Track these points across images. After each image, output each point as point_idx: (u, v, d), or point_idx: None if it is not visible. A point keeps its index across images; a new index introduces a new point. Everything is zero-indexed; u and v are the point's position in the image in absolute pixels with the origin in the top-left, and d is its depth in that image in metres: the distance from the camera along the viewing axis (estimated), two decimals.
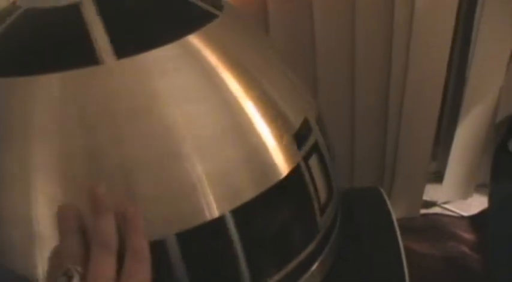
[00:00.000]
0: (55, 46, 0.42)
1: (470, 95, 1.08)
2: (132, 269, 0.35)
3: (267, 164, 0.45)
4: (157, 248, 0.39)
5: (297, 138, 0.48)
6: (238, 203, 0.42)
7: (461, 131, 1.14)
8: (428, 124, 1.08)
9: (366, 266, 0.60)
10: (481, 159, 1.19)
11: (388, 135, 1.12)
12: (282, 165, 0.45)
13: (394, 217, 0.65)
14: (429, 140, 1.11)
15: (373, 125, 1.12)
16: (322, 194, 0.51)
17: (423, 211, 1.26)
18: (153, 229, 0.39)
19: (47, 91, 0.40)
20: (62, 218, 0.36)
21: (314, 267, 0.50)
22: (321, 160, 0.52)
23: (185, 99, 0.42)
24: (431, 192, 1.28)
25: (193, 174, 0.40)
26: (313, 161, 0.50)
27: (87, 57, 0.40)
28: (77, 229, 0.36)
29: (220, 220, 0.41)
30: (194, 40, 0.44)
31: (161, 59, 0.42)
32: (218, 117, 0.43)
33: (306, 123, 0.50)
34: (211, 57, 0.44)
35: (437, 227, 1.17)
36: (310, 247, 0.49)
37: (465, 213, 1.23)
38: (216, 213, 0.41)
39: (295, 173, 0.46)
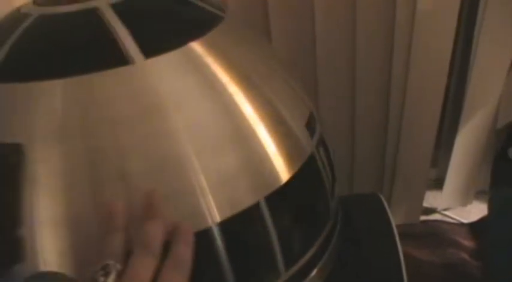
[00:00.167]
0: (81, 49, 0.43)
1: (470, 101, 1.09)
2: (170, 276, 0.35)
3: (267, 170, 0.45)
4: None
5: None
6: (238, 208, 0.42)
7: (461, 137, 1.14)
8: (429, 130, 1.09)
9: (365, 272, 0.61)
10: (481, 166, 1.19)
11: (388, 141, 1.13)
12: (283, 172, 0.46)
13: (393, 224, 0.65)
14: (429, 146, 1.11)
15: (373, 130, 1.12)
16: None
17: (423, 218, 1.26)
18: None
19: (77, 93, 0.40)
20: (108, 214, 0.37)
21: (313, 273, 0.51)
22: (322, 169, 0.52)
23: (188, 104, 0.43)
24: (431, 199, 1.29)
25: (195, 179, 0.41)
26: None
27: (116, 58, 0.41)
28: (121, 227, 0.37)
29: (220, 226, 0.41)
30: (198, 46, 0.45)
31: (169, 63, 0.43)
32: (220, 123, 0.43)
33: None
34: (214, 63, 0.45)
35: (437, 234, 1.17)
36: (310, 253, 0.49)
37: (465, 220, 1.24)
38: (217, 219, 0.41)
39: (295, 179, 0.46)
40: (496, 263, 0.91)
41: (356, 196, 0.81)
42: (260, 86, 0.48)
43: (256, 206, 0.43)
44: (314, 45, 1.01)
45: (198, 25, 0.49)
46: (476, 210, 1.24)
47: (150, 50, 0.42)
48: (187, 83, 0.43)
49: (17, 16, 0.47)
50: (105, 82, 0.41)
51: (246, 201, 0.43)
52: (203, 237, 0.41)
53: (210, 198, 0.41)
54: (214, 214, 0.41)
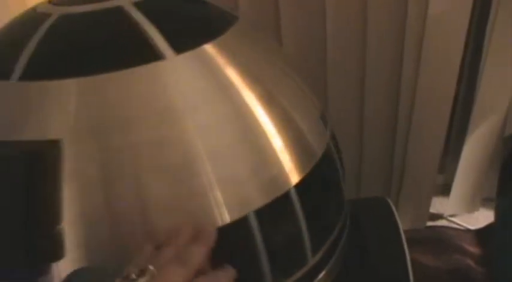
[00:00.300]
0: (112, 45, 0.44)
1: (479, 108, 1.09)
2: (171, 269, 0.36)
3: (278, 173, 0.45)
4: None
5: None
6: (248, 210, 0.43)
7: (469, 144, 1.14)
8: (437, 134, 1.09)
9: (372, 276, 0.61)
10: (488, 173, 1.19)
11: (396, 144, 1.13)
12: (293, 174, 0.46)
13: (401, 228, 0.65)
14: (437, 151, 1.11)
15: (382, 133, 1.12)
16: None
17: (429, 223, 1.26)
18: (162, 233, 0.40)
19: (111, 89, 0.41)
20: (174, 232, 0.39)
21: (321, 276, 0.51)
22: (332, 172, 0.53)
23: (202, 105, 0.43)
24: (437, 205, 1.28)
25: (206, 180, 0.41)
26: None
27: (148, 54, 0.42)
28: (171, 244, 0.38)
29: (229, 226, 0.42)
30: (211, 48, 0.46)
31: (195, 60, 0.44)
32: (232, 125, 0.44)
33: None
34: (228, 65, 0.46)
35: (443, 240, 1.16)
36: (318, 256, 0.50)
37: (471, 227, 1.23)
38: (226, 219, 0.42)
39: (305, 181, 0.47)
40: (501, 269, 0.91)
41: (364, 200, 0.81)
42: (271, 89, 0.48)
43: (265, 208, 0.44)
44: (324, 45, 1.01)
45: (215, 25, 0.50)
46: (483, 217, 1.24)
47: (179, 46, 0.43)
48: (202, 84, 0.44)
49: (34, 16, 0.48)
50: (136, 78, 0.42)
51: (256, 202, 0.43)
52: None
53: (220, 199, 0.41)
54: (224, 215, 0.41)
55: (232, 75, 0.45)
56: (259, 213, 0.43)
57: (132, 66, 0.41)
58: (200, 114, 0.43)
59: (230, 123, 0.44)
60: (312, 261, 0.49)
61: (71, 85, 0.41)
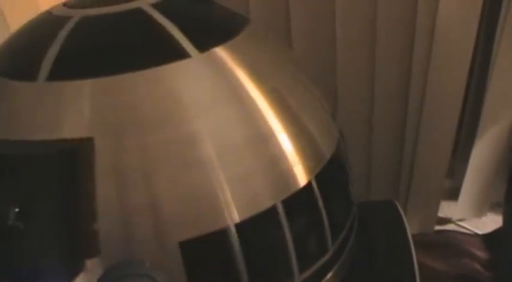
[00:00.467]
0: (139, 45, 0.46)
1: (488, 113, 1.08)
2: None
3: (286, 174, 0.46)
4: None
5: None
6: (256, 210, 0.43)
7: (477, 149, 1.14)
8: (446, 139, 1.08)
9: (379, 279, 0.61)
10: (497, 178, 1.18)
11: (405, 145, 1.13)
12: (301, 176, 0.47)
13: (409, 233, 0.65)
14: (446, 155, 1.11)
15: (390, 137, 1.12)
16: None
17: (437, 228, 1.25)
18: (174, 231, 0.41)
19: (138, 88, 0.42)
20: None
21: (328, 277, 0.51)
22: (341, 173, 0.53)
23: (213, 106, 0.44)
24: (446, 209, 1.28)
25: (215, 180, 0.42)
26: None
27: (174, 52, 0.44)
28: None
29: (238, 226, 0.42)
30: (225, 50, 0.47)
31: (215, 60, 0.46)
32: (243, 127, 0.45)
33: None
34: (239, 67, 0.46)
35: (451, 244, 1.16)
36: (326, 257, 0.50)
37: (479, 231, 1.23)
38: (236, 219, 0.42)
39: (314, 183, 0.47)
40: (508, 274, 0.91)
41: (372, 203, 0.81)
42: (281, 91, 0.49)
43: (274, 208, 0.44)
44: (334, 46, 1.02)
45: (228, 27, 0.51)
46: (492, 222, 1.23)
47: (201, 46, 0.45)
48: (216, 84, 0.45)
49: (50, 18, 0.49)
50: (161, 76, 0.43)
51: (265, 202, 0.44)
52: (221, 236, 0.42)
53: (230, 199, 0.42)
54: (233, 215, 0.42)
55: (244, 76, 0.46)
56: (268, 213, 0.44)
57: (159, 64, 0.43)
58: (213, 114, 0.43)
59: (241, 124, 0.45)
60: (319, 262, 0.50)
61: (100, 84, 0.42)
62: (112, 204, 0.40)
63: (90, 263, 0.38)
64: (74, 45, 0.45)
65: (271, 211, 0.44)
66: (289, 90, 0.50)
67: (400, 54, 1.01)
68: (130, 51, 0.45)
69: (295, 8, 0.98)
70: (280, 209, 0.45)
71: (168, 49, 0.44)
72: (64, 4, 0.51)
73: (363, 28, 0.99)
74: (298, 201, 0.47)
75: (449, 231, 1.24)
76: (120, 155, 0.40)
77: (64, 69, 0.43)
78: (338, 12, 0.97)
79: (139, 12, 0.46)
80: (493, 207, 1.26)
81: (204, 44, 0.45)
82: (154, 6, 0.47)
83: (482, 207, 1.25)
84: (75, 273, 0.37)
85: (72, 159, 0.38)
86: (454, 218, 1.28)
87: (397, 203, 0.71)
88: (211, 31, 0.50)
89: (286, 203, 0.45)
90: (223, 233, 0.42)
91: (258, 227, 0.44)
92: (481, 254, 1.11)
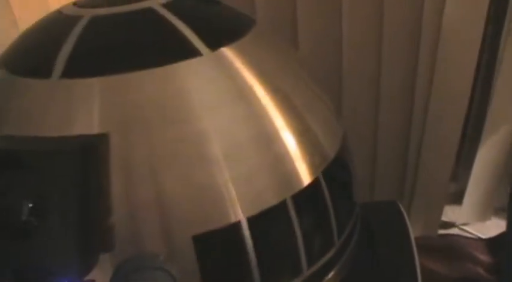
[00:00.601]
0: (150, 44, 0.47)
1: (492, 117, 1.09)
2: None
3: (290, 174, 0.47)
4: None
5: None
6: (260, 208, 0.44)
7: (482, 153, 1.14)
8: (451, 143, 1.09)
9: (380, 280, 0.61)
10: (501, 182, 1.18)
11: (410, 147, 1.13)
12: (306, 175, 0.47)
13: (411, 235, 0.65)
14: (450, 159, 1.11)
15: (395, 139, 1.13)
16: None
17: (441, 231, 1.25)
18: (178, 229, 0.42)
19: (149, 86, 0.43)
20: None
21: (330, 275, 0.52)
22: (344, 173, 0.53)
23: (220, 106, 0.45)
24: (449, 213, 1.28)
25: (220, 178, 0.43)
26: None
27: (186, 50, 0.45)
28: None
29: (244, 223, 0.43)
30: (231, 51, 0.47)
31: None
32: (248, 126, 0.46)
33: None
34: (245, 68, 0.47)
35: (454, 248, 1.16)
36: (328, 255, 0.51)
37: (483, 236, 1.23)
38: (241, 216, 0.43)
39: (318, 181, 0.48)
40: (510, 278, 0.91)
41: (375, 203, 0.81)
42: (286, 91, 0.50)
43: (278, 206, 0.45)
44: (340, 46, 1.02)
45: (235, 27, 0.52)
46: (495, 227, 1.23)
47: (212, 44, 0.46)
48: (223, 83, 0.46)
49: (61, 18, 0.49)
50: (174, 74, 0.44)
51: (269, 201, 0.45)
52: (227, 233, 0.43)
53: (234, 196, 0.43)
54: (238, 212, 0.43)
55: (250, 76, 0.47)
56: (271, 211, 0.44)
57: (171, 62, 0.44)
58: (220, 113, 0.44)
59: (247, 123, 0.46)
60: (324, 258, 0.50)
61: (112, 82, 0.43)
62: (121, 200, 0.40)
63: (103, 258, 0.39)
64: (87, 44, 0.45)
65: (280, 207, 0.45)
66: (294, 90, 0.51)
67: (406, 55, 1.01)
68: (142, 50, 0.46)
69: (302, 8, 0.99)
70: (285, 207, 0.45)
71: (179, 47, 0.45)
72: (74, 4, 0.52)
73: (369, 28, 1.00)
74: (304, 199, 0.47)
75: (452, 235, 1.24)
76: (129, 152, 0.41)
77: (77, 67, 0.44)
78: (344, 13, 0.98)
79: (150, 12, 0.47)
80: (497, 212, 1.26)
81: (214, 43, 0.46)
82: (165, 6, 0.48)
83: (486, 212, 1.25)
84: (90, 268, 0.38)
85: (90, 155, 0.39)
86: (458, 222, 1.28)
87: (400, 204, 0.71)
88: (221, 31, 0.51)
89: (292, 200, 0.46)
90: (228, 230, 0.43)
91: (260, 224, 0.44)
92: (484, 258, 1.11)
